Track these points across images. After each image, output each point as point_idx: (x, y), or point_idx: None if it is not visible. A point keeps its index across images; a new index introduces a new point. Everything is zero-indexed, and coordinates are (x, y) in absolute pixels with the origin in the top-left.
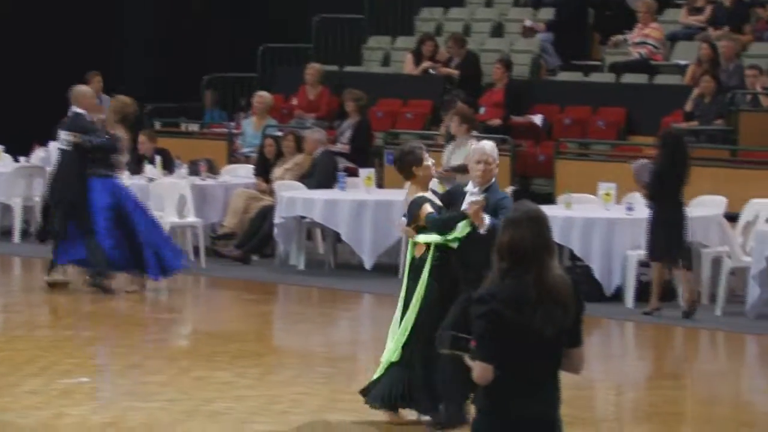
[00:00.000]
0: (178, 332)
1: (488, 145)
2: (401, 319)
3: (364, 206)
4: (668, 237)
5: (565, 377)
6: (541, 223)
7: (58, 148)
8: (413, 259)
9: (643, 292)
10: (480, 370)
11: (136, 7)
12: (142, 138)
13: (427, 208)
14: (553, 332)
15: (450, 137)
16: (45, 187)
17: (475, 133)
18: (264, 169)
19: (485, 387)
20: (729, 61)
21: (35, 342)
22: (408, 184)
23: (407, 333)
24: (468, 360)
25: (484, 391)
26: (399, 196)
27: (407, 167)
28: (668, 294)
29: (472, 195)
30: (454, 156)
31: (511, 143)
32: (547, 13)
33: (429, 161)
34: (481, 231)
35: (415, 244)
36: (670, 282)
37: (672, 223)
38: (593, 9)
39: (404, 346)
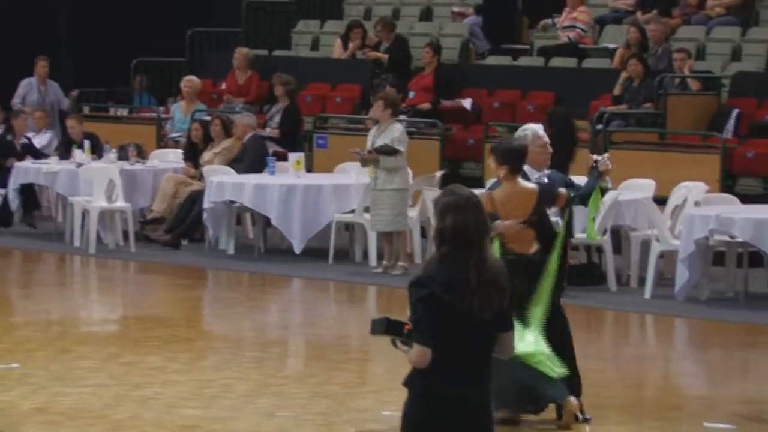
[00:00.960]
0: (108, 317)
1: (540, 128)
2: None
3: (293, 191)
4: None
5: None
6: (480, 209)
7: None
8: (526, 256)
9: (572, 275)
10: (418, 354)
11: None
12: (71, 122)
13: (562, 190)
14: (490, 317)
15: (377, 120)
16: None
17: (400, 117)
18: (193, 154)
19: (420, 370)
20: (657, 44)
21: None
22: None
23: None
24: (400, 345)
25: (419, 374)
26: (328, 180)
27: (518, 163)
28: (598, 277)
29: (539, 176)
30: (378, 140)
31: (440, 127)
32: None
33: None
34: (610, 187)
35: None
36: (599, 266)
37: None
38: None
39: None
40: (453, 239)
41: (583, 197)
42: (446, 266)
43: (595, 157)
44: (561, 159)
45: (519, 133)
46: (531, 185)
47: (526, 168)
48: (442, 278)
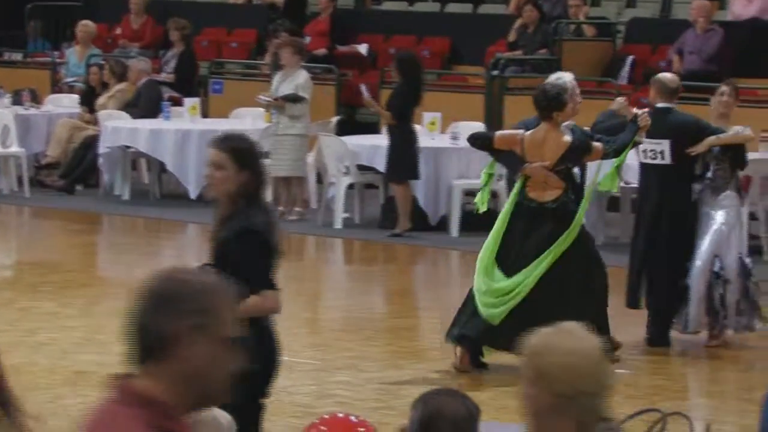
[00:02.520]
0: (2, 263)
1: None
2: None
3: (188, 136)
4: (409, 158)
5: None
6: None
7: None
8: (542, 204)
9: (467, 221)
10: (276, 299)
11: None
12: None
13: (597, 144)
14: None
15: (276, 66)
16: None
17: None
18: (89, 99)
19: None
20: None
21: None
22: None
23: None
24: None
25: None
26: (224, 125)
27: (549, 109)
28: (493, 223)
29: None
30: (282, 86)
31: (336, 73)
32: None
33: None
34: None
35: (539, 187)
36: (493, 211)
37: (410, 143)
38: None
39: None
40: (256, 189)
41: (618, 151)
42: (259, 212)
43: (635, 110)
44: (409, 103)
45: (556, 80)
46: (566, 136)
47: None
48: (265, 224)
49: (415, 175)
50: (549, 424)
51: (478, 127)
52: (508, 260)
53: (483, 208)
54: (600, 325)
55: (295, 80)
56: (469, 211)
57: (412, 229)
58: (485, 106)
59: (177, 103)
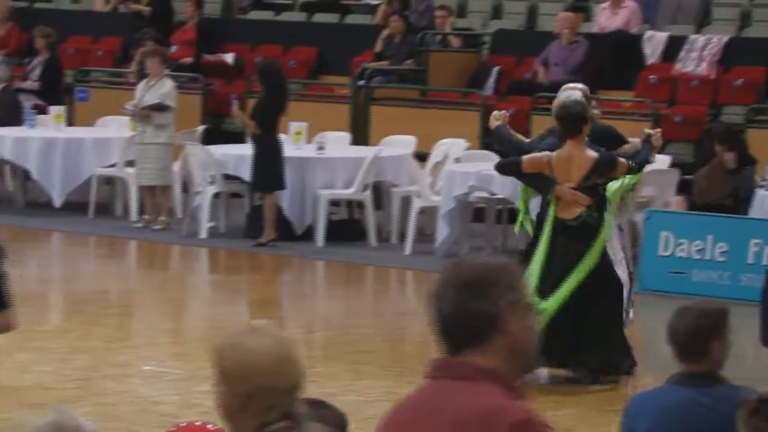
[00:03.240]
0: None
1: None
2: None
3: (53, 144)
4: (274, 167)
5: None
6: None
7: None
8: (564, 222)
9: (332, 231)
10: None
11: None
12: None
13: (622, 159)
14: None
15: (142, 75)
16: None
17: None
18: None
19: None
20: (419, 1)
21: None
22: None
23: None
24: None
25: None
26: (89, 133)
27: (578, 125)
28: (358, 233)
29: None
30: (147, 94)
31: (202, 81)
32: None
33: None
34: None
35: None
36: (359, 221)
37: (276, 153)
38: None
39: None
40: None
41: (639, 167)
42: None
43: (647, 131)
44: (273, 112)
45: (569, 96)
46: (591, 152)
47: None
48: None
49: (280, 185)
50: (236, 423)
51: (344, 137)
52: (543, 284)
53: (531, 233)
54: (619, 341)
55: (161, 89)
56: (334, 220)
57: (278, 239)
58: (351, 116)
59: (42, 111)
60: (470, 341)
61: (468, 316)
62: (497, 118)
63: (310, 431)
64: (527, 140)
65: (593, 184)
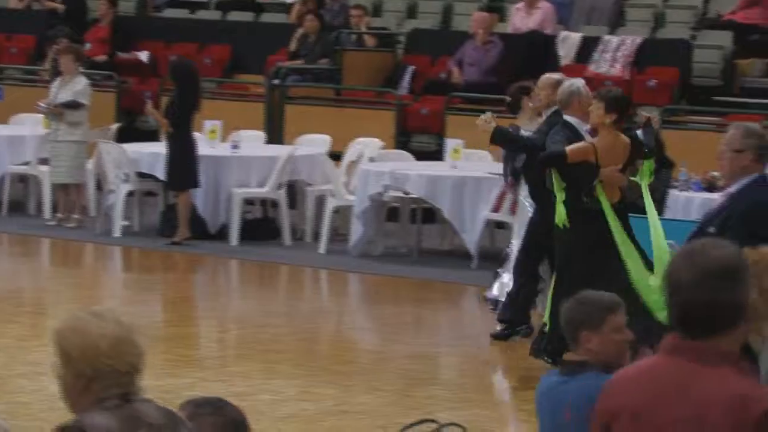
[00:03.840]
0: None
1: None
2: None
3: None
4: (188, 166)
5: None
6: None
7: None
8: (614, 204)
9: (246, 230)
10: None
11: None
12: None
13: None
14: None
15: (56, 72)
16: None
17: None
18: None
19: None
20: (334, 0)
21: None
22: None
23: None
24: None
25: None
26: (2, 131)
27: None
28: (273, 232)
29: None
30: (62, 92)
31: (116, 79)
32: None
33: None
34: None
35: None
36: (274, 220)
37: (189, 151)
38: None
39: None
40: None
41: (650, 151)
42: None
43: (645, 114)
44: (186, 111)
45: (570, 86)
46: (625, 137)
47: (573, 120)
48: None
49: (194, 184)
50: (77, 403)
51: (259, 135)
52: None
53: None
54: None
55: (74, 87)
56: (248, 219)
57: (192, 238)
58: (266, 114)
59: None
60: (720, 329)
61: (724, 306)
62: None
63: (142, 410)
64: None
65: (633, 166)
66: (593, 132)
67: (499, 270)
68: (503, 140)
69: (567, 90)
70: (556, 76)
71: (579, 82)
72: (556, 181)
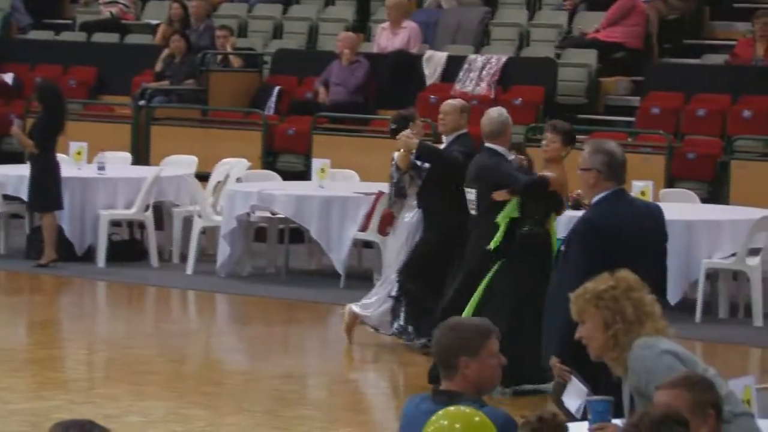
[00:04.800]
0: None
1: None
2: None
3: None
4: (51, 187)
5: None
6: None
7: None
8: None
9: (113, 252)
10: None
11: None
12: None
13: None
14: None
15: None
16: None
17: None
18: None
19: None
20: (199, 21)
21: None
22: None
23: None
24: None
25: None
26: None
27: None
28: (140, 253)
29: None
30: None
31: None
32: None
33: None
34: None
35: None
36: (141, 241)
37: (52, 172)
38: None
39: None
40: None
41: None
42: None
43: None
44: (51, 132)
45: (500, 116)
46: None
47: (501, 149)
48: None
49: (57, 205)
50: None
51: (126, 157)
52: None
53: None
54: None
55: None
56: (115, 241)
57: (58, 260)
58: (132, 135)
59: None
60: None
61: None
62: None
63: None
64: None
65: None
66: (548, 164)
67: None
68: (429, 155)
69: (498, 120)
70: (458, 101)
71: (505, 111)
72: (512, 208)
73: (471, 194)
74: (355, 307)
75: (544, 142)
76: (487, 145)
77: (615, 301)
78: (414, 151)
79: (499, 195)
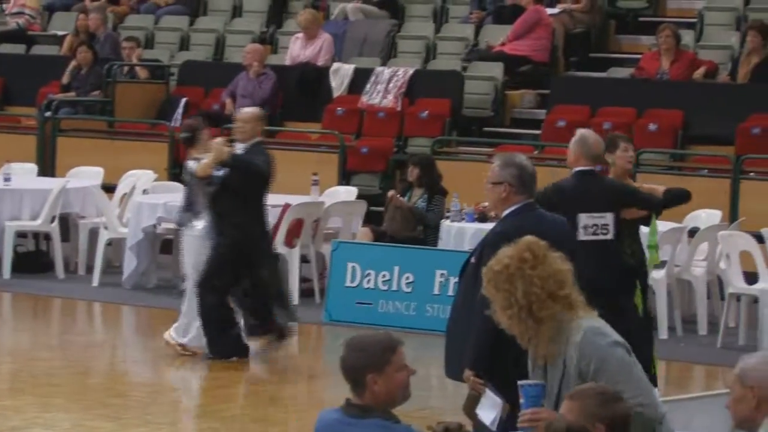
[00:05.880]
0: None
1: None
2: None
3: None
4: None
5: None
6: None
7: None
8: None
9: (19, 263)
10: None
11: None
12: None
13: None
14: None
15: None
16: None
17: None
18: None
19: None
20: (106, 32)
21: None
22: None
23: None
24: None
25: None
26: None
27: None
28: (45, 265)
29: None
30: None
31: None
32: None
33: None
34: None
35: None
36: (47, 253)
37: None
38: None
39: None
40: None
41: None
42: None
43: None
44: None
45: (597, 135)
46: None
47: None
48: None
49: None
50: None
51: (31, 168)
52: None
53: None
54: None
55: None
56: (21, 252)
57: None
58: (38, 147)
59: None
60: None
61: None
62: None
63: None
64: None
65: None
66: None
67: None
68: (240, 163)
69: (601, 142)
70: (256, 110)
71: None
72: (654, 227)
73: (604, 218)
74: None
75: (629, 154)
76: (591, 168)
77: (504, 283)
78: (225, 159)
79: (630, 213)
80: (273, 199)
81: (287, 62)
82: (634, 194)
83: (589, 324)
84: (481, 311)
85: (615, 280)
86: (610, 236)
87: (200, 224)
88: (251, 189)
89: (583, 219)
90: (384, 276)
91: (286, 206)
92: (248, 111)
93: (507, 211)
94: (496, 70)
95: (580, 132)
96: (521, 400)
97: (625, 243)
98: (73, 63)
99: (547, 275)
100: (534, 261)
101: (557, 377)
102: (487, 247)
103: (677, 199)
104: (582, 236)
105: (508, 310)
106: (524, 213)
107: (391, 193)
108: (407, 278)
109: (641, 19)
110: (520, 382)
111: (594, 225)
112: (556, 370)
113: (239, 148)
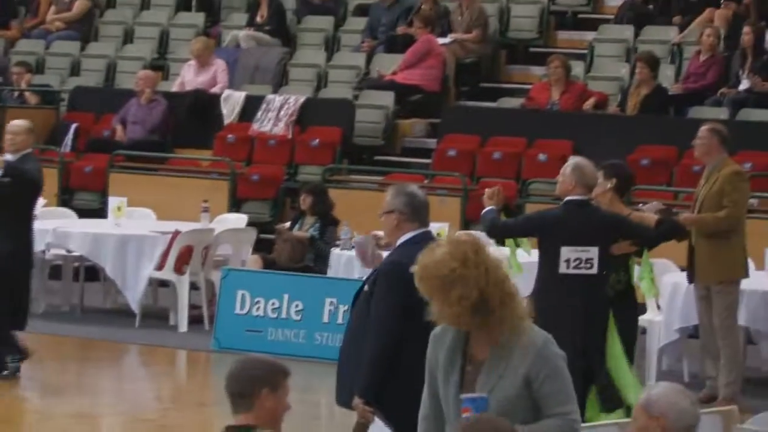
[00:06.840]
0: None
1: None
2: None
3: None
4: None
5: None
6: None
7: None
8: None
9: None
10: None
11: None
12: None
13: None
14: None
15: None
16: None
17: None
18: None
19: None
20: None
21: None
22: None
23: None
24: None
25: None
26: None
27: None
28: None
29: None
30: None
31: None
32: None
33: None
34: None
35: None
36: None
37: None
38: None
39: None
40: None
41: None
42: None
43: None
44: None
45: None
46: None
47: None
48: None
49: None
50: None
51: None
52: None
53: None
54: None
55: None
56: None
57: None
58: None
59: None
60: None
61: None
62: (491, 197)
63: None
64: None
65: None
66: None
67: None
68: (14, 171)
69: (595, 170)
70: (26, 122)
71: None
72: (647, 260)
73: (588, 252)
74: None
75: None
76: (584, 198)
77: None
78: None
79: (619, 248)
80: (163, 226)
81: (175, 89)
82: (630, 226)
83: (543, 333)
84: (374, 339)
85: (596, 315)
86: (594, 270)
87: None
88: (23, 198)
89: (565, 252)
90: (273, 304)
91: (176, 233)
92: (18, 123)
93: (401, 240)
94: (388, 98)
95: (575, 160)
96: (466, 414)
97: (613, 277)
98: None
99: (498, 275)
100: (480, 259)
101: (493, 377)
102: (381, 275)
103: (672, 234)
104: (563, 269)
105: (455, 307)
106: (418, 241)
107: (279, 226)
108: (297, 306)
109: (532, 49)
110: (464, 396)
111: (577, 259)
112: (493, 370)
113: (10, 158)
